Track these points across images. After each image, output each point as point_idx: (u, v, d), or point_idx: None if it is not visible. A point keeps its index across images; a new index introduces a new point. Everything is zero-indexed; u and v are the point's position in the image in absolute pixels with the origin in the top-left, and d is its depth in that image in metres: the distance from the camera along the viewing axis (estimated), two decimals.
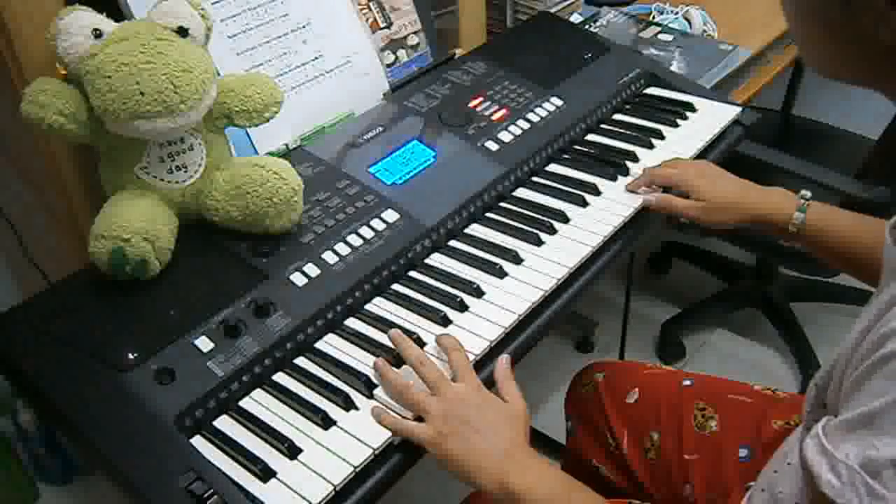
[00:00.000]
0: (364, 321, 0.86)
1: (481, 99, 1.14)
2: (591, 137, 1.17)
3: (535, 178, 1.08)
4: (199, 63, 0.81)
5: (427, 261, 0.94)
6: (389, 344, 0.81)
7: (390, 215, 0.94)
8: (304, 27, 1.07)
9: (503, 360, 0.79)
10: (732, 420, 0.95)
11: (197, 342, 0.77)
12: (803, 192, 0.93)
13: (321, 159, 1.00)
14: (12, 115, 0.81)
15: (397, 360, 0.79)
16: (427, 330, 0.83)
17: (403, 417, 0.74)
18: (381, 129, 1.07)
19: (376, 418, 0.74)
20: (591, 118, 1.18)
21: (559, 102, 1.17)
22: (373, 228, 0.92)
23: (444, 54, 1.23)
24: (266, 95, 0.89)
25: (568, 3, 1.48)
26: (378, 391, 0.77)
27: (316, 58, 1.08)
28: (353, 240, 0.90)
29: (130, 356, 0.75)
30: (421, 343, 0.81)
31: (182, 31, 0.82)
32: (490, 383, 0.78)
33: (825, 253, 0.93)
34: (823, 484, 0.49)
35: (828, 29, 0.55)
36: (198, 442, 0.73)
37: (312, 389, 0.78)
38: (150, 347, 0.76)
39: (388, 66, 1.17)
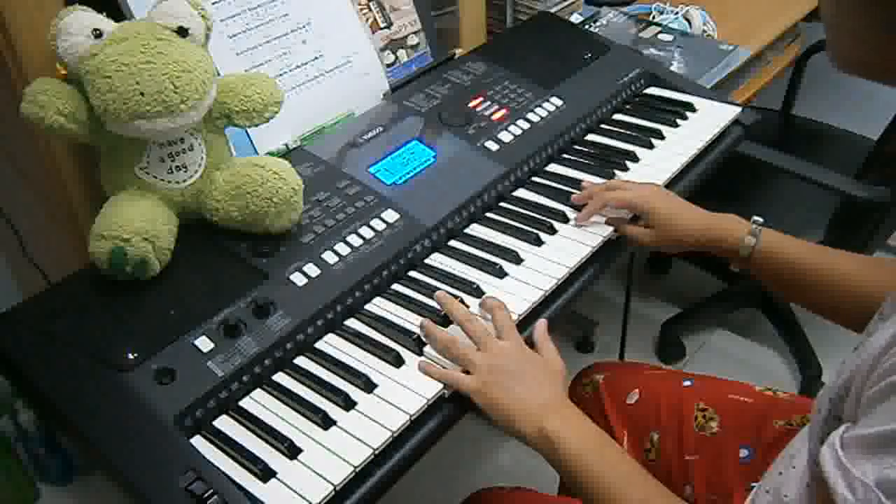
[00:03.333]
0: (364, 321, 0.86)
1: (481, 99, 1.14)
2: (591, 137, 1.17)
3: (535, 179, 1.08)
4: (199, 63, 0.81)
5: (427, 261, 0.94)
6: (389, 343, 0.82)
7: (390, 215, 0.94)
8: (304, 27, 1.07)
9: (542, 323, 0.85)
10: (733, 420, 0.95)
11: (197, 342, 0.77)
12: (755, 217, 0.93)
13: (321, 159, 1.00)
14: (12, 115, 0.81)
15: (443, 320, 0.84)
16: None
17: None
18: (380, 129, 1.06)
19: (424, 371, 0.79)
20: (591, 118, 1.18)
21: (559, 102, 1.17)
22: (373, 228, 0.92)
23: (444, 54, 1.23)
24: (266, 95, 0.89)
25: (568, 3, 1.48)
26: (427, 349, 0.81)
27: (316, 58, 1.08)
28: (353, 240, 0.90)
29: (130, 356, 0.75)
30: (421, 345, 0.82)
31: (182, 31, 0.82)
32: (529, 345, 0.82)
33: (773, 279, 0.92)
34: (839, 498, 0.50)
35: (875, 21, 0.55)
36: (198, 442, 0.73)
37: (312, 389, 0.78)
38: (150, 347, 0.76)
39: (388, 66, 1.17)
